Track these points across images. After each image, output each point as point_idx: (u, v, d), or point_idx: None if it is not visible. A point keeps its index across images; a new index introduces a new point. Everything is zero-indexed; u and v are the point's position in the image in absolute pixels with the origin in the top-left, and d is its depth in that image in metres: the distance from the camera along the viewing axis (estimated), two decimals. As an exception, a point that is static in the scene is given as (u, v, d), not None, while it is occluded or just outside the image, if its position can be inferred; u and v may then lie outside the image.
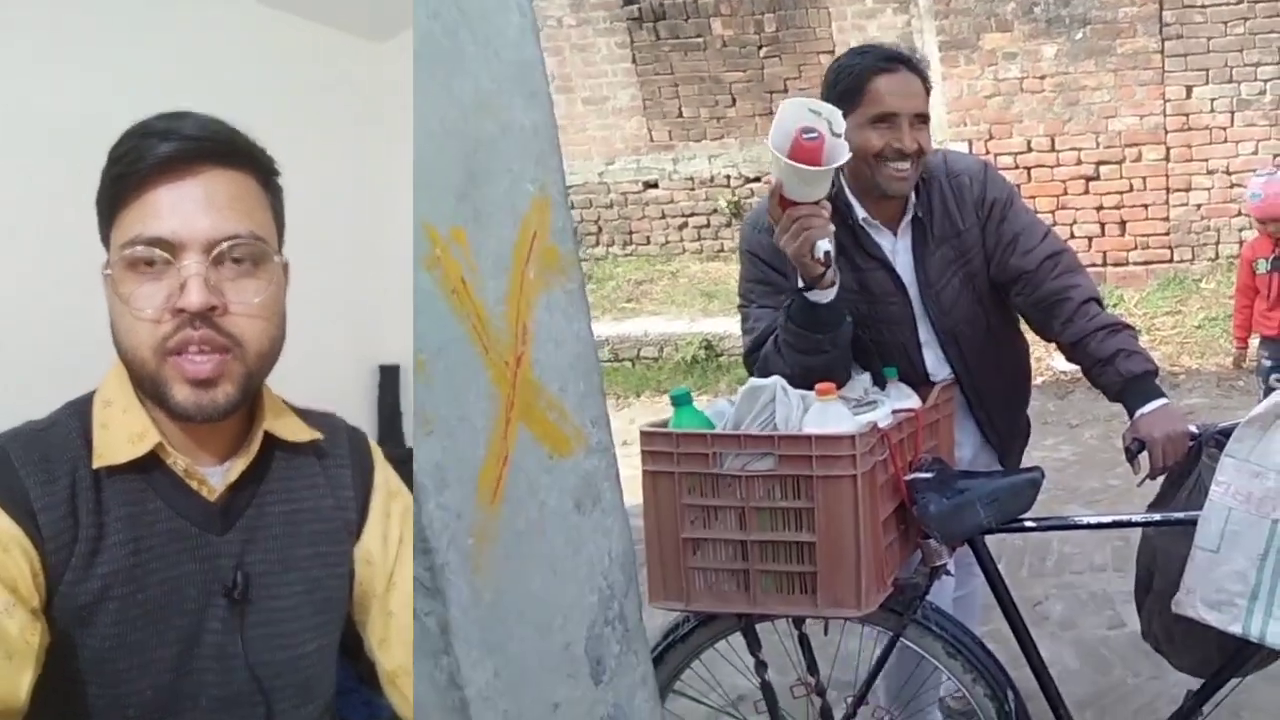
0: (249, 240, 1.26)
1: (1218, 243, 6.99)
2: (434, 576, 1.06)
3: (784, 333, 2.13)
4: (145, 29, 2.99)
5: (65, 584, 1.21)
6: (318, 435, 1.44)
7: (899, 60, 2.18)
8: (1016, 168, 7.01)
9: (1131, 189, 6.96)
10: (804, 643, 2.24)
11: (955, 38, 6.88)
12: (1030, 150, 6.98)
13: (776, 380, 1.98)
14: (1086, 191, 7.01)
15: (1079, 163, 6.95)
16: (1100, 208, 7.02)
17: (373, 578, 1.46)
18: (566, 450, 1.26)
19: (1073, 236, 7.05)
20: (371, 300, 3.32)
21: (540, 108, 1.22)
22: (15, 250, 2.68)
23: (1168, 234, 7.03)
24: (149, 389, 1.26)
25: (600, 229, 8.69)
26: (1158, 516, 2.18)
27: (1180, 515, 2.09)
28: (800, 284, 2.08)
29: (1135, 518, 2.24)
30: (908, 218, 2.27)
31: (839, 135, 1.97)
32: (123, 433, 1.27)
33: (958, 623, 2.22)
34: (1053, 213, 7.06)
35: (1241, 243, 5.94)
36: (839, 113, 1.99)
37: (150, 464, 1.28)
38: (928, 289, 2.27)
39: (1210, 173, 6.87)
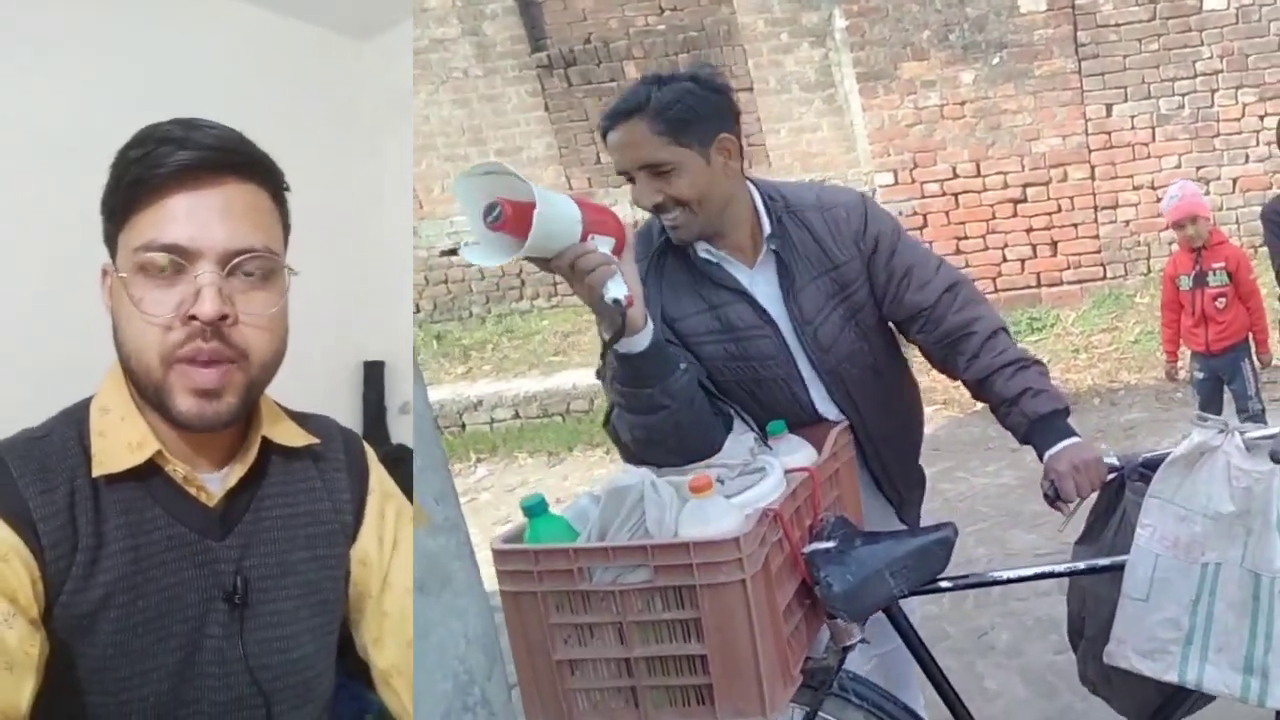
0: (263, 254, 1.27)
1: (1149, 257, 7.01)
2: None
3: (611, 394, 1.97)
4: (132, 30, 3.04)
5: (66, 593, 1.21)
6: (314, 440, 1.45)
7: (617, 116, 1.99)
8: (944, 194, 7.02)
9: (1060, 209, 6.98)
10: None
11: (873, 69, 6.88)
12: (956, 176, 6.98)
13: (644, 476, 1.76)
14: (1015, 214, 7.01)
15: (1005, 186, 6.95)
16: (1030, 229, 7.03)
17: (368, 578, 1.45)
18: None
19: (1005, 260, 7.08)
20: (356, 297, 3.32)
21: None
22: (10, 259, 2.70)
23: (1099, 251, 7.04)
24: (151, 395, 1.26)
25: (524, 282, 8.52)
26: (1083, 565, 2.09)
27: (1106, 562, 2.01)
28: (607, 337, 1.87)
29: (1059, 568, 2.15)
30: (762, 252, 2.12)
31: (515, 176, 1.71)
32: (121, 441, 1.27)
33: (879, 690, 2.09)
34: (983, 237, 7.07)
35: (1171, 255, 5.98)
36: (499, 162, 1.76)
37: (148, 471, 1.28)
38: (804, 325, 2.12)
39: (1136, 188, 6.90)
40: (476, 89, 7.92)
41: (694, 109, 1.97)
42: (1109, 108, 6.80)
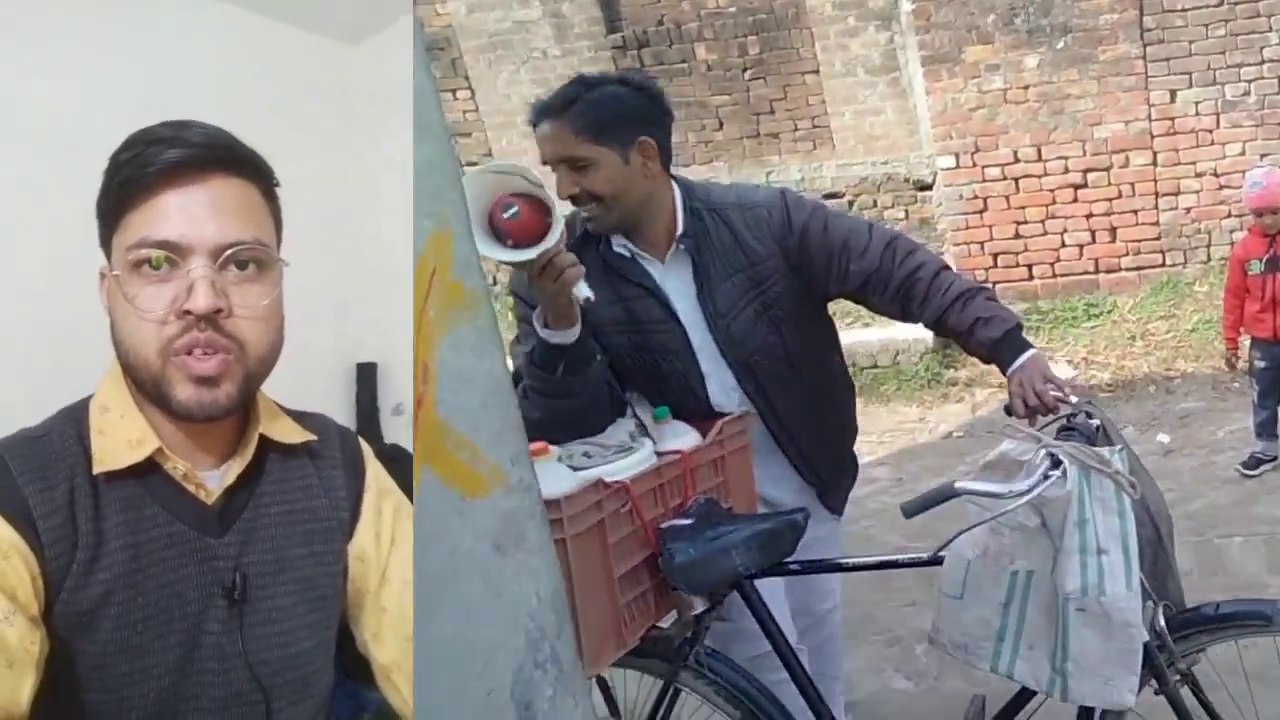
0: (254, 245, 1.28)
1: (1209, 245, 6.93)
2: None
3: (528, 377, 2.09)
4: (128, 35, 3.06)
5: (66, 591, 1.21)
6: (311, 437, 1.46)
7: (546, 111, 2.11)
8: (1004, 179, 6.98)
9: (1120, 195, 6.90)
10: (602, 685, 2.28)
11: (937, 52, 6.84)
12: (1017, 161, 6.94)
13: None
14: (1075, 200, 6.95)
15: (1066, 171, 6.89)
16: (1090, 215, 6.97)
17: (366, 574, 1.48)
18: (481, 491, 1.22)
19: (1063, 245, 7.03)
20: (349, 298, 3.36)
21: (434, 140, 1.19)
22: (8, 259, 2.72)
23: (1158, 238, 6.97)
24: (150, 390, 1.27)
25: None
26: (905, 559, 2.23)
27: (927, 556, 2.10)
28: (541, 325, 2.03)
29: (901, 558, 2.28)
30: (673, 249, 2.22)
31: (538, 185, 1.91)
32: (121, 438, 1.28)
33: (740, 670, 2.17)
34: (1043, 222, 7.02)
35: (1232, 244, 5.89)
36: (527, 168, 1.94)
37: (147, 469, 1.29)
38: (717, 319, 2.22)
39: (1198, 175, 6.81)
40: (555, 69, 7.97)
41: (617, 111, 2.10)
42: (1173, 93, 6.72)
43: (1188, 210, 6.89)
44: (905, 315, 2.28)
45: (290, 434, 1.44)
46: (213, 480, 1.35)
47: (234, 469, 1.36)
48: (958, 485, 1.93)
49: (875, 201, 7.93)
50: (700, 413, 2.26)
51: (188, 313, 1.23)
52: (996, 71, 6.82)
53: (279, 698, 1.37)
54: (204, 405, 1.26)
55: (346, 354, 3.78)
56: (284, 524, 1.40)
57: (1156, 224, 6.93)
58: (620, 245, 2.21)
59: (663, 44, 8.03)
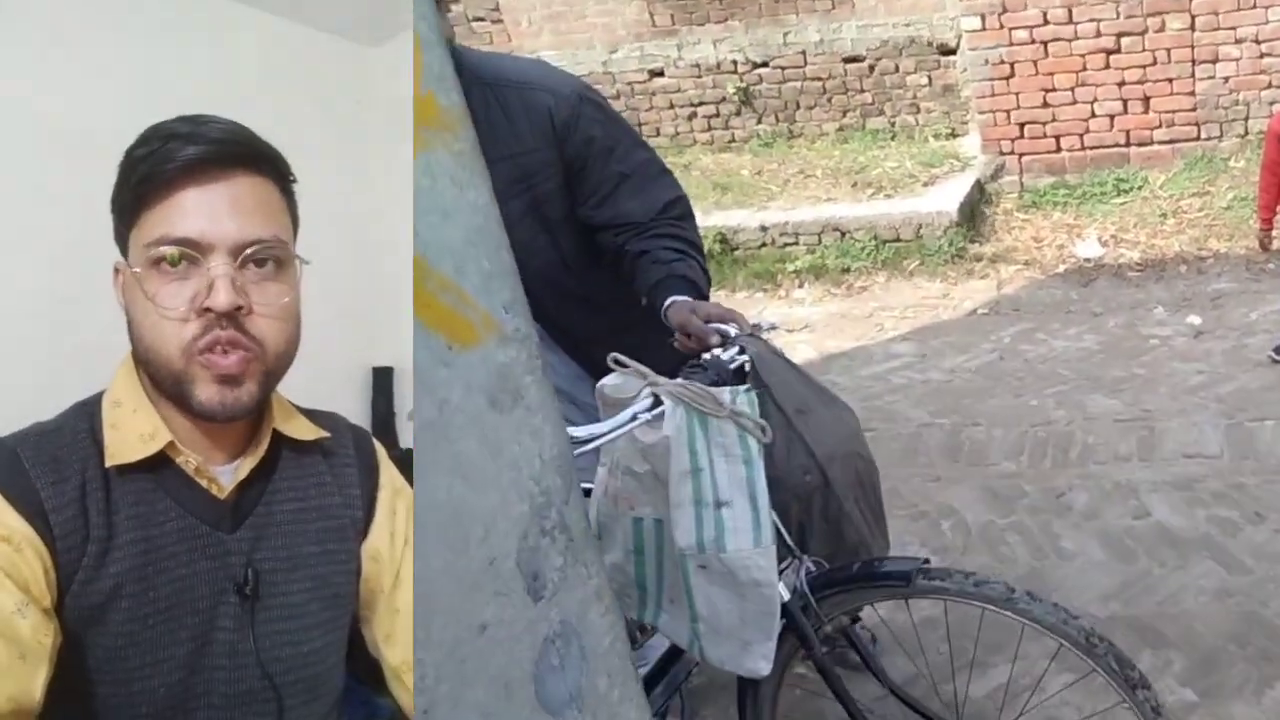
0: (274, 244, 1.28)
1: (1247, 118, 6.62)
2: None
3: None
4: (142, 34, 3.09)
5: (77, 584, 1.22)
6: (324, 434, 1.46)
7: None
8: (1032, 42, 6.65)
9: (1155, 62, 6.58)
10: None
11: (966, -95, 6.49)
12: (1047, 23, 6.59)
13: None
14: (1107, 66, 6.63)
15: (1098, 35, 6.55)
16: (1122, 83, 6.66)
17: (379, 574, 1.47)
18: (471, 339, 1.08)
19: (1093, 115, 6.76)
20: (365, 303, 3.36)
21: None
22: (22, 254, 2.73)
23: (1194, 109, 6.67)
24: (170, 388, 1.27)
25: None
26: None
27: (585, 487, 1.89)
28: None
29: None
30: None
31: None
32: (134, 432, 1.29)
33: None
34: (1072, 90, 6.72)
35: (1271, 116, 5.63)
36: None
37: (160, 463, 1.30)
38: None
39: (1238, 42, 6.46)
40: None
41: None
42: (1215, -49, 6.35)
43: (1225, 80, 6.57)
44: (614, 256, 2.14)
45: (303, 430, 1.44)
46: (225, 475, 1.34)
47: (247, 464, 1.36)
48: None
49: (897, 66, 7.67)
50: None
51: (208, 310, 1.23)
52: (1029, -75, 6.46)
53: (291, 696, 1.37)
54: (226, 406, 1.26)
55: (363, 358, 3.81)
56: (297, 521, 1.40)
57: (1193, 94, 6.63)
58: None
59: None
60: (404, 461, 1.51)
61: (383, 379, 3.86)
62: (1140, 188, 6.71)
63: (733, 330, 1.91)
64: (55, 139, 2.76)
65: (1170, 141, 6.76)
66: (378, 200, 3.15)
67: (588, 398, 2.17)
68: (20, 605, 1.16)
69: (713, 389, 1.74)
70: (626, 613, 1.88)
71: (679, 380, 1.75)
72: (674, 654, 2.07)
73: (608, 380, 1.80)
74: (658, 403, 1.73)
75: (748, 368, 1.90)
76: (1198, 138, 6.74)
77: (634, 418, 1.72)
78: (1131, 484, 3.74)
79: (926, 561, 1.95)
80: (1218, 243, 6.12)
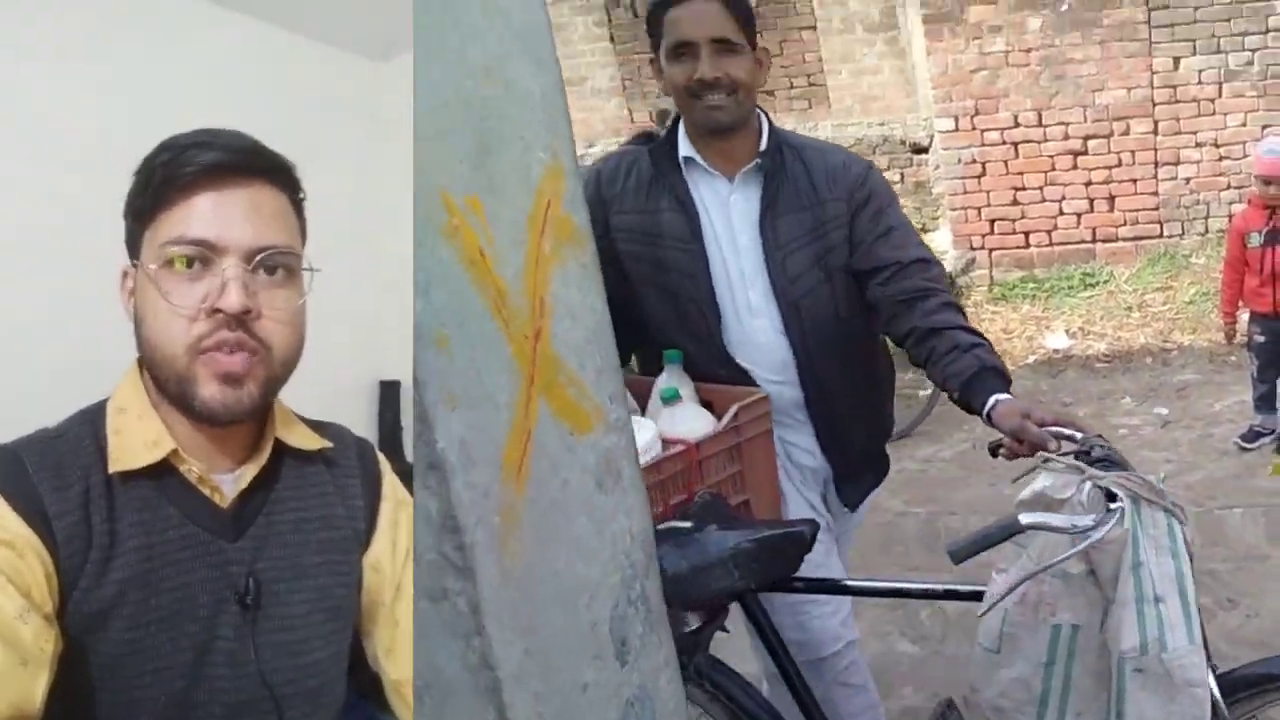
0: (286, 251, 1.30)
1: (1207, 216, 6.97)
2: (464, 556, 1.03)
3: None
4: (155, 49, 3.09)
5: (79, 590, 1.21)
6: (327, 444, 1.46)
7: None
8: (1004, 143, 6.99)
9: (1120, 163, 6.93)
10: None
11: (939, 10, 6.82)
12: (1017, 125, 6.95)
13: None
14: (1075, 166, 6.98)
15: (1066, 137, 6.91)
16: (1089, 183, 6.99)
17: (381, 586, 1.46)
18: (586, 427, 1.22)
19: (1061, 213, 7.06)
20: (373, 316, 3.34)
21: (549, 73, 1.18)
22: (29, 261, 2.72)
23: (1157, 209, 7.00)
24: (173, 389, 1.27)
25: (583, 216, 8.58)
26: (942, 589, 1.97)
27: (968, 590, 1.84)
28: None
29: (914, 586, 2.09)
30: (749, 166, 2.15)
31: None
32: (138, 438, 1.28)
33: (741, 682, 2.04)
34: (1041, 189, 7.04)
35: (1231, 216, 5.89)
36: None
37: (163, 471, 1.29)
38: (775, 249, 2.13)
39: (1199, 145, 6.84)
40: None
41: (749, 13, 2.10)
42: (1176, 60, 6.73)
43: (1187, 181, 6.93)
44: (894, 320, 2.12)
45: (306, 440, 1.43)
46: (227, 484, 1.34)
47: (249, 472, 1.35)
48: (1023, 518, 1.63)
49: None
50: (717, 361, 2.16)
51: (218, 311, 1.24)
52: (999, 33, 6.81)
53: (291, 708, 1.36)
54: (228, 405, 1.26)
55: (370, 372, 3.79)
56: (299, 530, 1.39)
57: (1155, 194, 6.96)
58: (689, 151, 2.16)
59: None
60: (408, 474, 1.48)
61: (390, 392, 3.83)
62: (1106, 282, 6.97)
63: (1078, 435, 1.80)
64: (65, 150, 2.76)
65: (1134, 238, 7.07)
66: (388, 213, 3.17)
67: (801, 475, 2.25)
68: (22, 611, 1.15)
69: (1143, 476, 1.64)
70: None
71: (1121, 472, 1.64)
72: None
73: (1044, 480, 1.70)
74: (1110, 497, 1.62)
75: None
76: (1160, 235, 7.05)
77: (1107, 512, 1.60)
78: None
79: None
80: (1181, 335, 6.34)
